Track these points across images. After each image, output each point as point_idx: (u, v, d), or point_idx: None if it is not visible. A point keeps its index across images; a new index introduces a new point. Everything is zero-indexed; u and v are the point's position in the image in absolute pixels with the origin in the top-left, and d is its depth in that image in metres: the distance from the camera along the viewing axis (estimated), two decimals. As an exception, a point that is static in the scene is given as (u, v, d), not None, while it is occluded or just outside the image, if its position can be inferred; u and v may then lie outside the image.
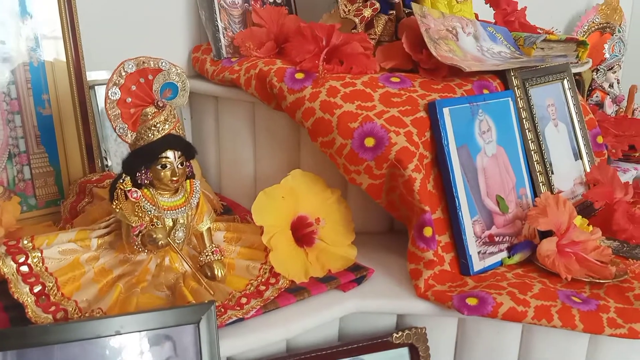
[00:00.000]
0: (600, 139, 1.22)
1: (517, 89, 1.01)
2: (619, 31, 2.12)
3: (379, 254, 0.96)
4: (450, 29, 1.04)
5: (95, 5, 1.02)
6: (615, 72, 2.08)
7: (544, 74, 1.08)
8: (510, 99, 0.99)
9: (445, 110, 0.89)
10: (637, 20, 2.34)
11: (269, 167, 1.06)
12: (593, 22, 2.10)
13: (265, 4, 1.14)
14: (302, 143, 1.01)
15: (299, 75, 0.94)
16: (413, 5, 1.00)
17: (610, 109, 2.06)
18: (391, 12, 1.05)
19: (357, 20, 1.02)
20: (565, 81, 1.13)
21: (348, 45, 0.99)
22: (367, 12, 1.02)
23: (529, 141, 1.01)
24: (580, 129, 1.14)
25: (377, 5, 1.03)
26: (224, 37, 1.07)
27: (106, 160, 1.01)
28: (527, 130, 1.01)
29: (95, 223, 0.80)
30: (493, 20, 1.23)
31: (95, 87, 1.00)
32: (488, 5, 1.31)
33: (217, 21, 1.06)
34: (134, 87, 0.74)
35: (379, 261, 0.93)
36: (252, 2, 1.12)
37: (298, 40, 0.99)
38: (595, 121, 1.23)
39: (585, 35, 2.11)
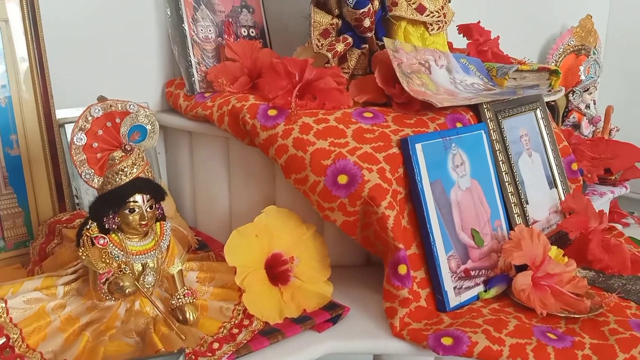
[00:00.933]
0: (574, 166, 1.23)
1: (490, 121, 1.02)
2: (594, 53, 2.15)
3: (356, 289, 0.95)
4: (423, 62, 1.04)
5: (65, 41, 1.01)
6: (591, 93, 2.11)
7: (517, 104, 1.09)
8: (483, 131, 0.99)
9: (418, 146, 0.89)
10: (612, 41, 2.39)
11: (244, 202, 1.05)
12: (568, 44, 2.13)
13: (239, 37, 1.14)
14: (277, 178, 1.00)
15: (272, 112, 0.94)
16: (385, 40, 1.01)
17: (587, 129, 2.09)
18: (364, 46, 1.05)
19: (329, 55, 1.02)
20: (538, 111, 1.14)
21: (321, 80, 0.99)
22: (340, 47, 1.02)
23: (503, 173, 1.01)
24: (554, 157, 1.15)
25: (350, 40, 1.03)
26: (197, 72, 1.07)
27: (77, 198, 1.00)
28: (501, 162, 1.01)
29: (63, 268, 0.79)
30: (467, 49, 1.24)
31: (65, 125, 0.99)
32: (462, 35, 1.33)
33: (190, 56, 1.06)
34: (100, 132, 0.73)
35: (355, 297, 0.92)
36: (226, 37, 1.12)
37: (271, 76, 0.99)
38: (569, 148, 1.24)
39: (561, 58, 2.14)
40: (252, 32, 1.17)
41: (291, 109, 0.92)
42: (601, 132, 2.09)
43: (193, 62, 1.06)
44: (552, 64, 2.13)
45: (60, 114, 1.01)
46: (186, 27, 1.06)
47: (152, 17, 1.10)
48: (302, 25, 1.08)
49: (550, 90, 1.26)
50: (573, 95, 2.09)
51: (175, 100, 1.09)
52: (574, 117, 2.12)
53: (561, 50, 2.12)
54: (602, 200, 1.46)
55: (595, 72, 2.12)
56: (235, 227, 1.06)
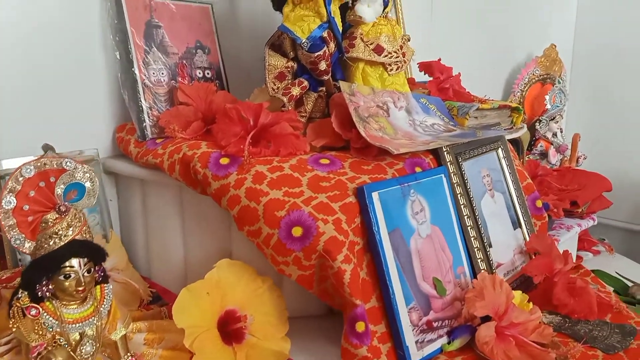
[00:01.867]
0: (539, 203, 1.22)
1: (450, 164, 0.99)
2: (559, 82, 2.17)
3: (317, 342, 0.91)
4: (381, 104, 1.02)
5: (8, 87, 0.97)
6: (557, 122, 2.12)
7: (478, 145, 1.07)
8: (443, 175, 0.97)
9: (375, 195, 0.86)
10: (578, 69, 2.41)
11: (199, 252, 1.00)
12: (533, 74, 2.15)
13: (193, 79, 1.11)
14: (232, 227, 0.95)
15: (224, 161, 0.90)
16: (341, 83, 0.99)
17: (554, 158, 2.10)
18: (321, 88, 1.03)
19: (285, 99, 0.99)
20: (499, 150, 1.13)
21: (277, 125, 0.96)
22: (296, 91, 1.00)
23: (465, 217, 0.98)
24: (517, 197, 1.13)
25: (306, 83, 1.00)
26: (148, 118, 1.03)
27: (19, 254, 0.94)
28: (462, 206, 0.99)
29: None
30: (427, 88, 1.23)
31: (7, 177, 0.93)
32: (423, 72, 1.32)
33: (140, 101, 1.02)
34: (32, 193, 0.69)
35: (315, 352, 0.88)
36: (179, 79, 1.09)
37: (224, 122, 0.95)
38: (533, 185, 1.22)
39: (527, 87, 2.15)
40: (208, 74, 1.14)
41: (244, 157, 0.89)
42: (569, 160, 2.10)
43: (144, 107, 1.02)
44: (518, 93, 2.14)
45: (5, 164, 0.97)
46: (136, 71, 1.02)
47: (101, 60, 1.06)
48: (261, 64, 1.05)
49: (512, 128, 1.25)
50: (540, 124, 2.10)
51: (126, 146, 1.05)
52: (541, 146, 2.13)
53: (526, 80, 2.14)
54: (569, 234, 1.44)
55: (561, 101, 2.13)
56: (191, 277, 1.02)
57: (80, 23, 1.03)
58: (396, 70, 1.10)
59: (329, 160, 0.93)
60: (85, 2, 1.03)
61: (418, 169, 0.96)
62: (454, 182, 0.99)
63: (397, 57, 1.08)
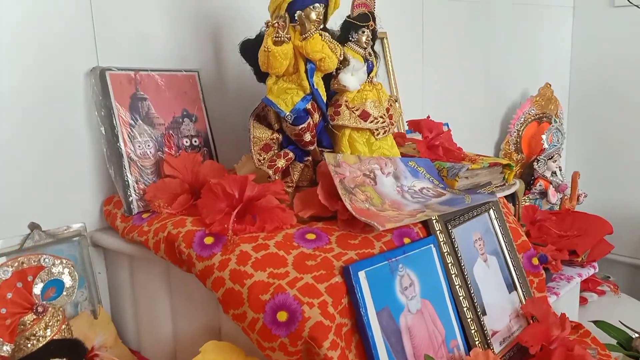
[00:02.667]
0: (535, 261, 1.20)
1: (440, 233, 0.98)
2: (555, 121, 2.16)
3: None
4: (368, 172, 1.01)
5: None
6: (555, 161, 2.11)
7: (468, 209, 1.06)
8: (432, 245, 0.96)
9: (361, 274, 0.84)
10: (574, 107, 2.40)
11: (188, 328, 0.98)
12: (529, 113, 2.15)
13: (180, 149, 1.11)
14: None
15: (208, 240, 0.89)
16: (326, 155, 0.98)
17: (554, 197, 2.08)
18: (307, 158, 1.02)
19: (270, 172, 0.99)
20: (491, 211, 1.11)
21: (263, 198, 0.95)
22: (281, 163, 0.99)
23: (457, 286, 0.97)
24: (512, 258, 1.11)
25: (291, 154, 1.00)
26: (134, 192, 1.02)
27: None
28: (453, 275, 0.97)
29: None
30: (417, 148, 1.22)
31: (-9, 260, 0.93)
32: (412, 130, 1.31)
33: (126, 176, 1.02)
34: (9, 295, 0.68)
35: None
36: (166, 150, 1.09)
37: (209, 197, 0.94)
38: (529, 242, 1.20)
39: (523, 127, 2.15)
40: (195, 142, 1.14)
41: (228, 236, 0.88)
42: (569, 199, 2.08)
43: (130, 181, 1.02)
44: (515, 133, 2.13)
45: (-9, 243, 0.96)
46: (122, 146, 1.02)
47: (87, 135, 1.05)
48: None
49: (504, 184, 1.23)
50: (538, 163, 2.09)
51: (113, 220, 1.04)
52: (540, 185, 2.11)
53: (522, 119, 2.13)
54: (569, 286, 1.41)
55: (558, 140, 2.12)
56: (181, 353, 1.00)
57: (65, 99, 1.03)
58: (383, 134, 1.09)
59: (315, 235, 0.91)
60: (70, 79, 1.03)
61: (407, 240, 0.95)
62: (444, 251, 0.97)
63: (383, 122, 1.08)
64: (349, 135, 1.06)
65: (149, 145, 1.06)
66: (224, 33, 1.22)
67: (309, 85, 0.97)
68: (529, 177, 2.14)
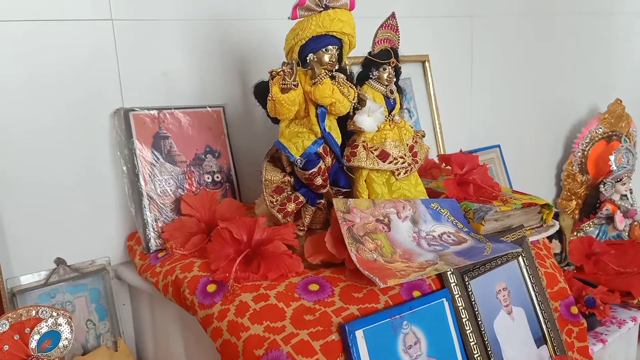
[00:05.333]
0: (574, 309, 1.10)
1: (455, 285, 0.93)
2: (625, 141, 1.99)
3: None
4: (382, 217, 0.98)
5: (24, 201, 1.02)
6: (624, 183, 1.94)
7: (492, 258, 0.99)
8: (445, 299, 0.91)
9: (359, 333, 0.81)
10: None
11: (200, 366, 1.00)
12: (596, 132, 1.99)
13: (201, 185, 1.12)
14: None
15: (211, 288, 0.89)
16: (335, 201, 0.95)
17: (621, 224, 1.92)
18: (320, 201, 1.00)
19: (280, 216, 0.98)
20: (520, 258, 1.04)
21: (270, 244, 0.94)
22: (291, 207, 0.98)
23: (471, 344, 0.91)
24: (543, 309, 1.03)
25: (302, 198, 0.98)
26: (153, 230, 1.05)
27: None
28: (468, 332, 0.91)
29: None
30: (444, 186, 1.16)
31: (24, 293, 0.99)
32: (444, 165, 1.25)
33: (145, 215, 1.04)
34: (6, 347, 0.71)
35: None
36: (187, 186, 1.10)
37: (217, 242, 0.95)
38: (567, 289, 1.11)
39: (589, 147, 2.00)
40: (217, 177, 1.15)
41: (229, 285, 0.88)
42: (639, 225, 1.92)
43: (149, 220, 1.05)
44: (579, 153, 1.99)
45: (24, 279, 1.02)
46: (142, 185, 1.05)
47: (111, 173, 1.09)
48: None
49: (541, 226, 1.15)
50: (604, 186, 1.94)
51: (134, 257, 1.07)
52: (607, 209, 1.95)
53: (588, 139, 1.98)
54: (621, 332, 1.29)
55: (628, 161, 1.96)
56: (193, 391, 1.01)
57: (91, 139, 1.07)
58: (404, 174, 1.05)
59: (318, 286, 0.89)
60: (96, 120, 1.07)
61: (417, 293, 0.90)
62: (459, 305, 0.92)
63: (404, 162, 1.03)
64: (367, 176, 1.03)
65: (169, 183, 1.08)
66: (251, 66, 1.23)
67: (320, 129, 0.95)
68: (594, 199, 1.99)
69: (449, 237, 1.01)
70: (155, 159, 1.08)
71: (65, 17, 1.01)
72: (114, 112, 1.07)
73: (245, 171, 1.20)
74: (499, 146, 1.78)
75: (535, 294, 1.04)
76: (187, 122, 1.13)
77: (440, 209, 1.05)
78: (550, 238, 1.36)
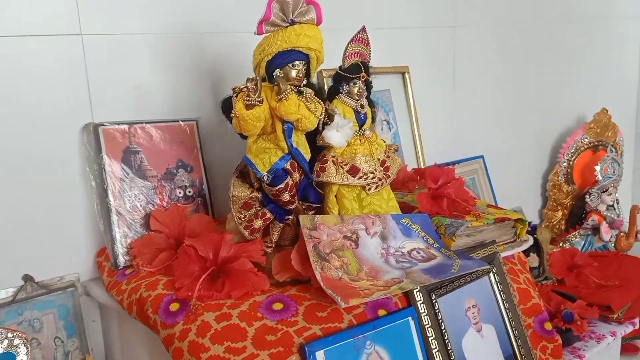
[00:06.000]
0: (548, 325, 1.10)
1: (421, 304, 0.92)
2: (611, 150, 1.98)
3: None
4: (350, 234, 0.97)
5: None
6: (610, 194, 1.93)
7: (460, 275, 0.98)
8: (410, 318, 0.90)
9: (319, 355, 0.80)
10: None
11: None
12: (581, 142, 1.99)
13: (173, 200, 1.11)
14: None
15: (174, 307, 0.88)
16: (301, 217, 0.94)
17: (607, 235, 1.91)
18: (288, 217, 0.99)
19: (246, 233, 0.97)
20: (491, 275, 1.03)
21: (236, 261, 0.93)
22: (258, 224, 0.97)
23: (438, 363, 0.90)
24: (514, 327, 1.02)
25: (269, 215, 0.97)
26: (121, 246, 1.04)
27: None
28: (434, 351, 0.90)
29: None
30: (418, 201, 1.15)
31: (-19, 313, 0.98)
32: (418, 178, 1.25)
33: (113, 231, 1.03)
34: (-44, 369, 0.70)
35: None
36: (158, 201, 1.10)
37: (183, 260, 0.94)
38: (540, 305, 1.10)
39: (574, 157, 1.99)
40: (189, 192, 1.14)
41: (192, 304, 0.87)
42: (626, 236, 1.90)
43: (117, 237, 1.04)
44: (565, 163, 1.98)
45: (-12, 294, 1.01)
46: (111, 201, 1.04)
47: (81, 188, 1.08)
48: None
49: (514, 241, 1.14)
50: (590, 196, 1.92)
51: (102, 273, 1.07)
52: (593, 220, 1.94)
53: (573, 149, 1.97)
54: (599, 347, 1.28)
55: (614, 172, 1.94)
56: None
57: (61, 154, 1.06)
58: (375, 189, 1.04)
59: (282, 305, 0.88)
60: (65, 135, 1.06)
61: (382, 312, 0.90)
62: (425, 324, 0.91)
63: (374, 177, 1.02)
64: (337, 191, 1.02)
65: (139, 199, 1.08)
66: (225, 78, 1.22)
67: (287, 145, 0.94)
68: (580, 210, 1.97)
69: (419, 253, 1.00)
70: (125, 174, 1.07)
71: (34, 32, 1.00)
72: (83, 127, 1.07)
73: (219, 185, 1.19)
74: (482, 157, 1.77)
75: (506, 311, 1.03)
76: (159, 137, 1.12)
77: (411, 225, 1.04)
78: (527, 252, 1.35)
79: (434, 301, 0.93)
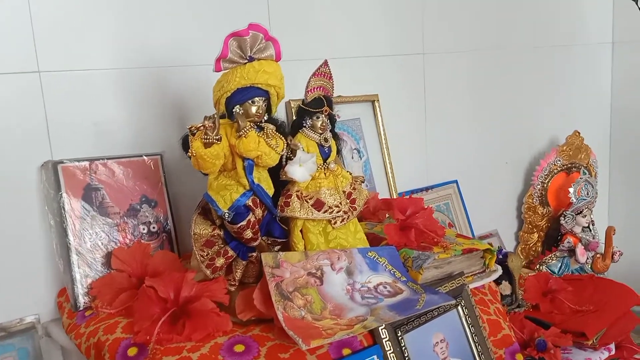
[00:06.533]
0: (519, 357, 1.08)
1: (387, 341, 0.90)
2: (584, 173, 2.00)
3: None
4: (315, 270, 0.95)
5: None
6: (585, 216, 1.93)
7: (427, 310, 0.97)
8: (376, 356, 0.88)
9: (279, 399, 0.78)
10: (617, 155, 2.22)
11: None
12: (554, 164, 1.99)
13: (136, 237, 1.09)
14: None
15: (132, 352, 0.86)
16: (263, 256, 0.93)
17: (582, 256, 1.90)
18: (252, 254, 0.97)
19: (208, 271, 0.95)
20: (459, 308, 1.02)
21: (198, 302, 0.91)
22: (220, 262, 0.95)
23: (404, 402, 0.88)
24: (484, 360, 1.01)
25: (231, 253, 0.95)
26: (81, 287, 1.01)
27: None
28: (400, 390, 0.88)
29: None
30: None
31: None
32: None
33: (73, 271, 1.01)
34: None
35: None
36: (120, 240, 1.07)
37: (143, 301, 0.92)
38: (511, 336, 1.09)
39: (548, 179, 1.99)
40: (154, 228, 1.12)
41: (149, 349, 0.84)
42: (602, 257, 1.91)
43: (77, 277, 1.01)
44: (539, 186, 1.98)
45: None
46: (71, 240, 1.02)
47: (39, 227, 1.06)
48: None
49: (484, 271, 1.13)
50: (565, 219, 1.93)
51: (62, 314, 1.04)
52: (569, 242, 1.93)
53: (547, 171, 1.98)
54: (574, 375, 1.27)
55: (587, 193, 1.95)
56: None
57: (18, 192, 1.04)
58: (341, 222, 1.02)
59: (244, 347, 0.86)
60: (24, 173, 1.04)
61: (346, 351, 0.88)
62: (391, 362, 0.89)
63: (339, 211, 1.01)
64: (302, 225, 1.01)
65: (101, 237, 1.05)
66: (189, 111, 1.21)
67: (248, 182, 0.93)
68: (556, 232, 1.98)
69: (385, 287, 0.98)
70: (86, 212, 1.05)
71: (-11, 70, 0.99)
72: (42, 164, 1.05)
73: (185, 219, 1.17)
74: (456, 181, 1.77)
75: (476, 344, 1.01)
76: (122, 172, 1.10)
77: (377, 258, 1.03)
78: (500, 279, 1.34)
79: (400, 338, 0.92)
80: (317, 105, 1.01)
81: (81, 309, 1.01)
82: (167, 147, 1.18)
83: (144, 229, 1.11)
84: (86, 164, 1.07)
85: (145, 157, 1.14)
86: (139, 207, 1.11)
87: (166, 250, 1.11)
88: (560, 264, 1.92)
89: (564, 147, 2.00)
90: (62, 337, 1.03)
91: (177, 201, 1.18)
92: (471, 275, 1.11)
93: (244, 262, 0.97)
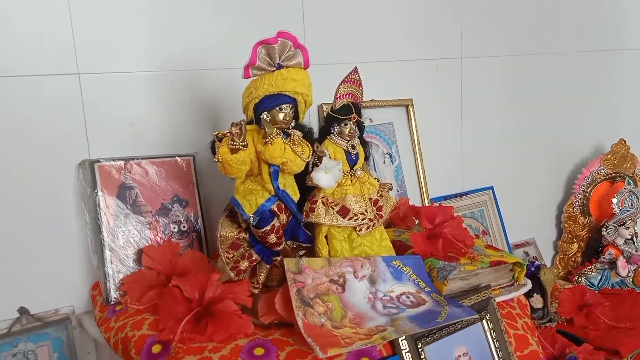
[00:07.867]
0: (546, 375, 1.06)
1: (406, 352, 0.90)
2: (629, 183, 1.92)
3: None
4: (337, 277, 0.96)
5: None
6: (628, 227, 1.86)
7: (450, 322, 0.96)
8: (394, 368, 0.88)
9: (294, 406, 0.79)
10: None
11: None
12: (598, 173, 1.93)
13: (167, 236, 1.12)
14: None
15: (156, 349, 0.88)
16: (285, 261, 0.94)
17: (624, 270, 1.84)
18: (275, 258, 0.99)
19: (232, 274, 0.97)
20: (484, 321, 1.00)
21: (221, 303, 0.93)
22: (244, 265, 0.97)
23: (422, 415, 0.88)
24: (507, 376, 0.99)
25: (255, 256, 0.97)
26: (113, 282, 1.05)
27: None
28: (418, 402, 0.88)
29: None
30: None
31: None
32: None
33: (106, 267, 1.04)
34: None
35: None
36: (151, 238, 1.10)
37: (168, 300, 0.94)
38: (539, 353, 1.06)
39: (590, 188, 1.93)
40: (184, 227, 1.15)
41: (172, 347, 0.87)
42: (645, 271, 1.83)
43: (109, 272, 1.05)
44: (580, 195, 1.92)
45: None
46: (105, 237, 1.05)
47: (76, 223, 1.10)
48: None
49: (512, 284, 1.10)
50: (606, 230, 1.86)
51: (95, 307, 1.08)
52: (610, 254, 1.87)
53: (589, 179, 1.92)
54: (605, 396, 1.23)
55: (632, 204, 1.88)
56: None
57: (57, 190, 1.08)
58: (366, 230, 1.03)
59: (263, 351, 0.87)
60: (62, 172, 1.08)
61: (364, 360, 0.88)
62: (410, 374, 0.89)
63: (364, 218, 1.01)
64: (327, 231, 1.01)
65: (133, 234, 1.09)
66: (222, 113, 1.23)
67: (273, 187, 0.94)
68: (597, 243, 1.91)
69: (408, 298, 0.98)
70: (120, 209, 1.08)
71: (33, 73, 1.03)
72: (79, 163, 1.09)
73: (215, 219, 1.19)
74: (492, 188, 1.73)
75: (500, 359, 0.99)
76: (155, 172, 1.13)
77: (402, 267, 1.02)
78: (531, 292, 1.31)
79: (420, 349, 0.91)
80: (345, 112, 1.01)
81: (112, 303, 1.04)
82: (200, 148, 1.21)
83: (174, 228, 1.14)
84: (121, 163, 1.10)
85: (178, 158, 1.17)
86: (170, 206, 1.14)
87: (195, 249, 1.14)
88: (600, 277, 1.86)
89: (609, 156, 1.93)
90: (94, 329, 1.07)
91: (207, 201, 1.20)
92: (499, 288, 1.09)
93: (267, 266, 0.99)
